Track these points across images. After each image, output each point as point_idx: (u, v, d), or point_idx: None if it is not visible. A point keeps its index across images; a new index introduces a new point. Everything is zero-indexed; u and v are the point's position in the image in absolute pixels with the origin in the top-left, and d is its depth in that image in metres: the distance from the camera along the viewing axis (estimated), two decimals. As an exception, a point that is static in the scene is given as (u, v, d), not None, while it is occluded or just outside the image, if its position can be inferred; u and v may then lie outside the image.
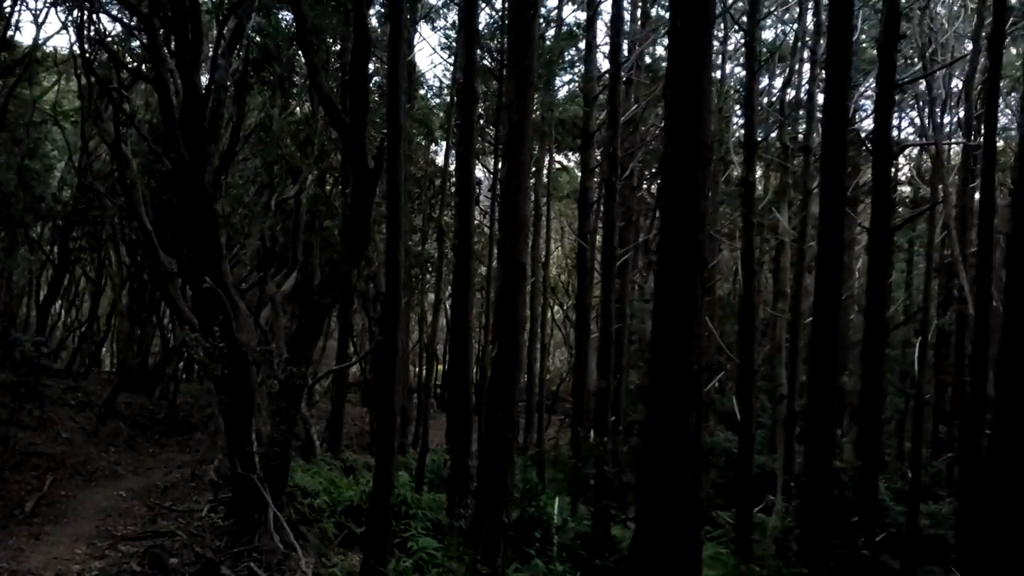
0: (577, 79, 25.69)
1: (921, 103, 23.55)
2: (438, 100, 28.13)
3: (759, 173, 22.96)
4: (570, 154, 33.03)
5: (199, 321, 12.79)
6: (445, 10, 25.82)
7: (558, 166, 32.65)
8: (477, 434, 13.65)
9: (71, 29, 21.20)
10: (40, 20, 22.40)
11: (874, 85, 15.85)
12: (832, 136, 9.34)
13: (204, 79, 14.26)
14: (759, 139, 19.37)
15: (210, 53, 13.47)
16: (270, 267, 18.31)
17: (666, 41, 13.07)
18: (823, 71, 12.84)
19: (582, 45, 22.25)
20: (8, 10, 18.51)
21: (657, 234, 10.36)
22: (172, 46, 11.57)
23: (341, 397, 20.36)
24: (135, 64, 20.28)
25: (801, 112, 21.46)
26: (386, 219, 9.89)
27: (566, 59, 24.30)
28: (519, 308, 8.36)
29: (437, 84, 30.36)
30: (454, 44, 22.93)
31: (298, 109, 21.08)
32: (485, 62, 21.97)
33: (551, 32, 22.57)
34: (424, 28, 17.50)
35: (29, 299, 31.74)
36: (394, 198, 9.17)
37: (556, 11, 23.01)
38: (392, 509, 9.68)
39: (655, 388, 6.34)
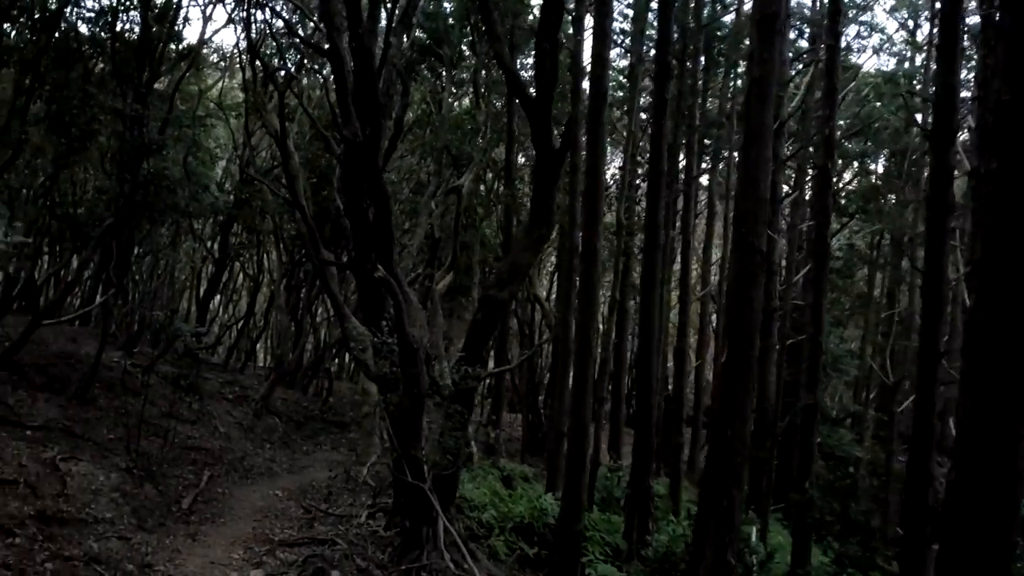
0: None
1: None
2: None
3: None
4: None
5: (364, 315, 11.97)
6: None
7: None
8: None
9: (238, 23, 21.19)
10: (208, 13, 22.50)
11: None
12: None
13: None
14: None
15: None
16: (434, 262, 17.48)
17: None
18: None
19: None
20: (176, 3, 18.38)
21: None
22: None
23: (499, 402, 19.34)
24: (299, 57, 20.02)
25: None
26: (583, 198, 8.67)
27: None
28: (754, 304, 6.97)
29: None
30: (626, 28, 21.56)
31: (460, 102, 20.28)
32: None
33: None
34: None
35: (190, 294, 32.46)
36: (594, 176, 7.96)
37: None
38: (582, 534, 8.44)
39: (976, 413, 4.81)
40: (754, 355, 7.18)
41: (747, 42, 23.72)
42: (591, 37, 12.15)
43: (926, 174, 22.64)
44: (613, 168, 27.30)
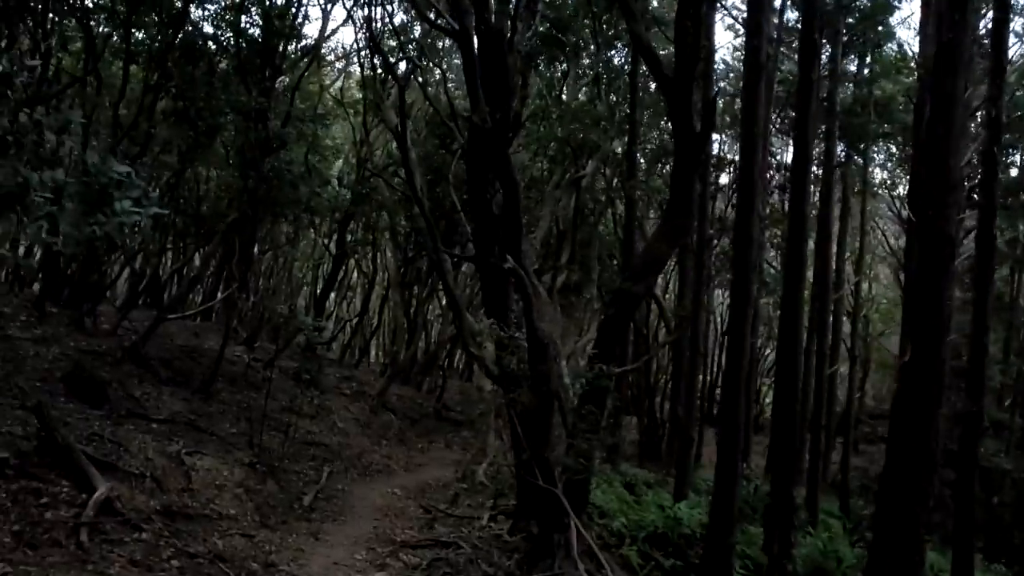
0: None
1: None
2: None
3: None
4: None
5: (487, 310, 11.55)
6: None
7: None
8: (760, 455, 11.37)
9: (358, 21, 21.16)
10: (328, 10, 22.57)
11: None
12: None
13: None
14: None
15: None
16: (559, 256, 16.96)
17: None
18: None
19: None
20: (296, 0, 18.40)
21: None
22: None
23: (619, 403, 18.65)
24: (418, 52, 19.78)
25: None
26: (739, 177, 7.96)
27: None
28: (944, 298, 6.14)
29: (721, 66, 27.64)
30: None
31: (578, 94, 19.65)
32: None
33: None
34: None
35: (308, 291, 32.92)
36: (749, 155, 7.25)
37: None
38: (734, 548, 7.75)
39: None
40: (944, 357, 6.35)
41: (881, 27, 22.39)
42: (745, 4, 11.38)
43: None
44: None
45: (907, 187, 23.12)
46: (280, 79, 18.47)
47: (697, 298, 14.59)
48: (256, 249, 17.90)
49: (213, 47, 16.08)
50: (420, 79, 16.28)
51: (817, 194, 19.71)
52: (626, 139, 17.81)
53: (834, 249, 24.24)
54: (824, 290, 18.09)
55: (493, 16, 9.48)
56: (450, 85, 20.83)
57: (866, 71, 23.58)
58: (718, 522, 7.32)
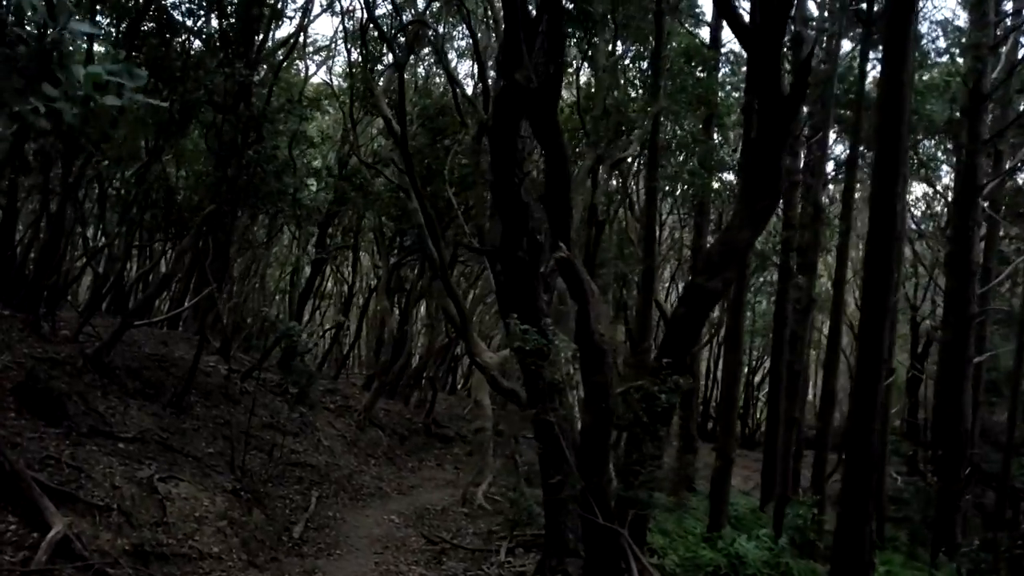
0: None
1: None
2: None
3: None
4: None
5: (517, 313, 10.04)
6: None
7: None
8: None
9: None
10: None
11: None
12: None
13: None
14: None
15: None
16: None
17: None
18: None
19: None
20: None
21: None
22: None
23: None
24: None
25: None
26: (877, 140, 6.51)
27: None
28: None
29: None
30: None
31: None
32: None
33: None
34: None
35: (283, 298, 30.97)
36: (895, 107, 5.73)
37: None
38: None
39: None
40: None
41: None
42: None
43: None
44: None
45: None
46: (260, 66, 16.81)
47: (739, 301, 13.10)
48: (235, 248, 16.14)
49: (188, 22, 14.42)
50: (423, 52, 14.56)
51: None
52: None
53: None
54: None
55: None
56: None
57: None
58: (844, 561, 5.80)
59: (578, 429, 8.53)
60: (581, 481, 7.30)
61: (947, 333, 16.08)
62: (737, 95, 21.67)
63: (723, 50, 21.68)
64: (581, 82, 16.98)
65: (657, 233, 17.90)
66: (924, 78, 19.16)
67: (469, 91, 20.18)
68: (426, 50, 22.44)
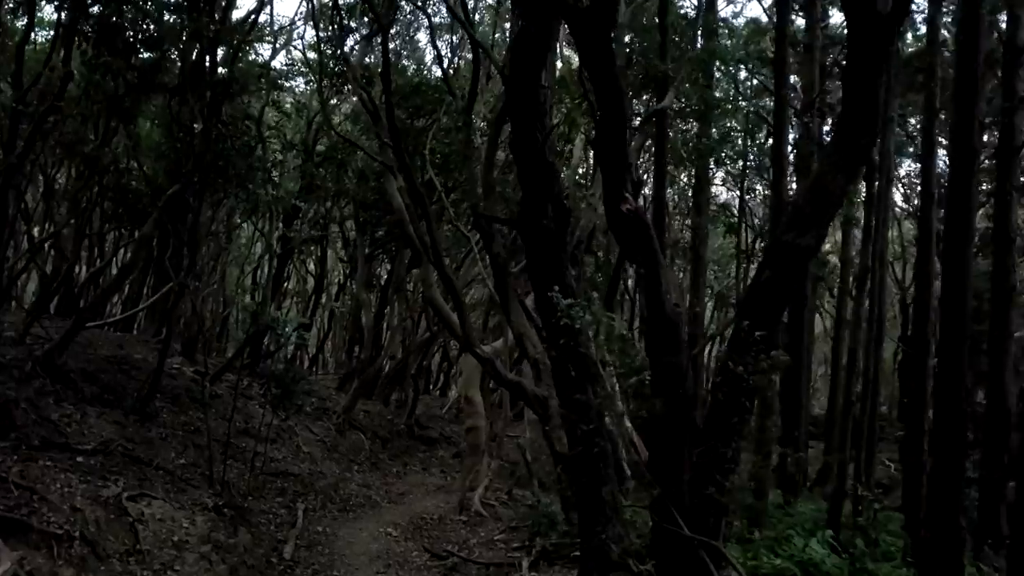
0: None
1: None
2: None
3: None
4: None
5: (536, 292, 8.79)
6: None
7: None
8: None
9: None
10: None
11: None
12: None
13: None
14: None
15: None
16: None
17: None
18: None
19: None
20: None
21: None
22: None
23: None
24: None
25: None
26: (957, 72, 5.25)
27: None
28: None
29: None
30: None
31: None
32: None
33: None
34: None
35: (241, 297, 29.19)
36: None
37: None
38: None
39: None
40: None
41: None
42: None
43: None
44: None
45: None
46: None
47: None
48: (200, 234, 14.54)
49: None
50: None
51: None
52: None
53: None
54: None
55: None
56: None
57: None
58: None
59: (627, 424, 7.21)
60: (656, 486, 6.03)
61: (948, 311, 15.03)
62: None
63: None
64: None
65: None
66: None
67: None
68: (394, 30, 21.10)
